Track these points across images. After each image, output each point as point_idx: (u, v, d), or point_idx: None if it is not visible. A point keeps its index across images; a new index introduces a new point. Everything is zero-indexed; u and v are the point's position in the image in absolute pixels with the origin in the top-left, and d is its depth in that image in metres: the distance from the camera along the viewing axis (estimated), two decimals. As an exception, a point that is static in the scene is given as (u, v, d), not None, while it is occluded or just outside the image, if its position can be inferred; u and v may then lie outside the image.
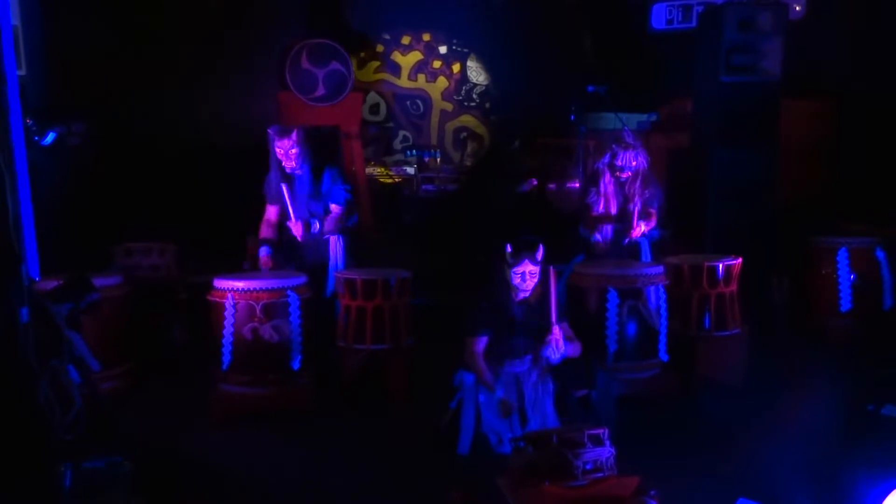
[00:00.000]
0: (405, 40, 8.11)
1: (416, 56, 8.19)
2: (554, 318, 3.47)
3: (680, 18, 7.19)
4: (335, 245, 4.63)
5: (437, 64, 8.26)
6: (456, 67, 8.30)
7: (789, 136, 5.73)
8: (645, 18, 7.28)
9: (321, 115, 6.40)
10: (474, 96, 8.37)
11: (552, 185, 6.85)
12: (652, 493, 2.40)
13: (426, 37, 8.18)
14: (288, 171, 4.54)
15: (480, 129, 8.38)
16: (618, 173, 4.74)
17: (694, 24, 6.74)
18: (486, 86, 8.35)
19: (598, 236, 4.81)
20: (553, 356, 3.47)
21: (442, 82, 8.31)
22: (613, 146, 4.75)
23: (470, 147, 8.15)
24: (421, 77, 8.24)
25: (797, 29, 5.85)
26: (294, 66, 6.53)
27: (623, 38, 7.53)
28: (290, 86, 6.53)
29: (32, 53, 5.28)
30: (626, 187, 4.76)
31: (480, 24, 7.87)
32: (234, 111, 6.44)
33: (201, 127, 6.45)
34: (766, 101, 5.47)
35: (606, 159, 4.76)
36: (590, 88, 6.56)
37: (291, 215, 4.51)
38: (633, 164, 4.69)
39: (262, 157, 4.69)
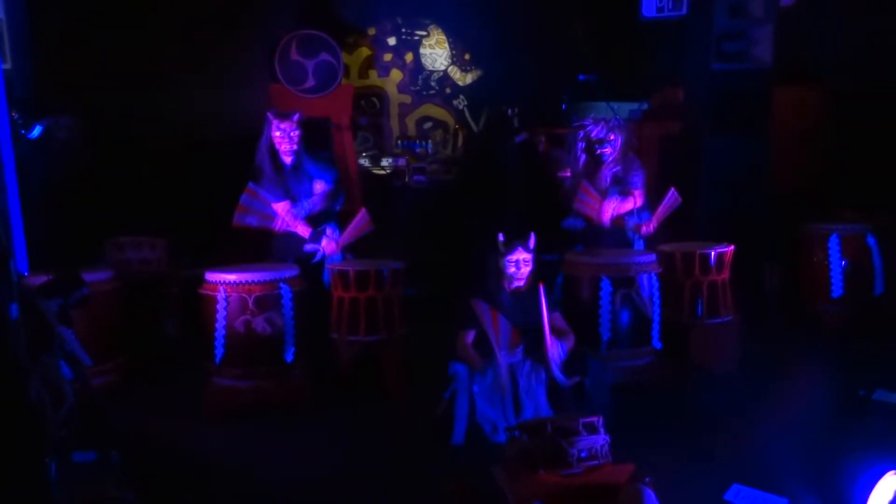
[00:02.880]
0: (349, 39, 7.74)
1: (363, 52, 7.83)
2: (547, 337, 3.48)
3: (670, 6, 7.16)
4: (332, 236, 4.62)
5: (387, 57, 7.92)
6: (409, 57, 7.99)
7: (781, 124, 5.73)
8: (635, 6, 7.26)
9: (311, 107, 6.36)
10: (432, 84, 8.10)
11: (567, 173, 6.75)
12: (647, 479, 2.41)
13: (371, 30, 7.85)
14: (285, 154, 4.49)
15: (444, 117, 8.15)
16: (598, 151, 4.70)
17: (685, 11, 6.72)
18: (445, 70, 8.07)
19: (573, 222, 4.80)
20: (554, 365, 3.49)
21: (396, 75, 7.99)
22: (584, 121, 4.73)
23: (439, 136, 7.99)
24: (372, 73, 7.89)
25: (788, 16, 5.84)
26: (283, 58, 6.49)
27: (613, 27, 7.52)
28: (280, 77, 6.49)
29: (17, 46, 5.22)
30: (609, 167, 4.71)
31: (470, 12, 7.81)
32: (224, 103, 6.39)
33: (191, 119, 6.40)
34: (757, 89, 5.47)
35: (581, 140, 4.72)
36: (580, 77, 6.56)
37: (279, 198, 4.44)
38: (611, 137, 4.65)
39: (254, 148, 4.66)
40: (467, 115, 8.22)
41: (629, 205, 4.72)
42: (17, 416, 2.23)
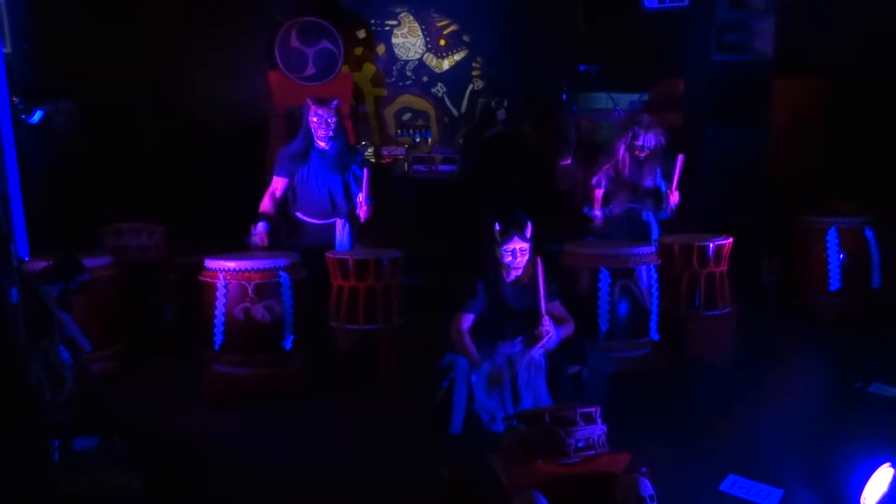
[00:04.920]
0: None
1: None
2: (543, 309, 3.49)
3: (672, -3, 7.15)
4: (342, 227, 4.62)
5: (358, 51, 7.71)
6: (381, 49, 7.82)
7: (780, 115, 5.73)
8: (637, -3, 7.24)
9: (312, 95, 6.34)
10: (408, 73, 7.97)
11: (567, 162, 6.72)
12: (643, 469, 2.43)
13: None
14: (320, 140, 4.51)
15: (424, 106, 8.02)
16: (637, 152, 4.76)
17: (686, 2, 6.71)
18: (420, 58, 7.92)
19: (597, 213, 4.84)
20: (548, 345, 3.50)
21: (368, 69, 7.81)
22: (634, 128, 4.77)
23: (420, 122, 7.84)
24: (344, 69, 7.41)
25: (789, 8, 5.83)
26: (283, 45, 6.46)
27: (615, 17, 7.49)
28: (280, 65, 6.46)
29: (17, 31, 5.20)
30: (647, 165, 4.77)
31: (472, 2, 7.78)
32: (223, 89, 6.38)
33: (190, 105, 6.39)
34: (757, 80, 5.48)
35: (627, 140, 4.77)
36: (581, 68, 6.55)
37: (362, 196, 4.49)
38: (653, 143, 4.72)
39: (253, 135, 4.66)
40: (447, 102, 8.12)
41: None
42: (14, 400, 2.24)
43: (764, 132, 5.56)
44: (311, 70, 6.54)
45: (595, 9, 7.74)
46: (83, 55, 5.97)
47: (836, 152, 6.16)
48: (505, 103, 6.52)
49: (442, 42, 8.05)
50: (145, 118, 6.32)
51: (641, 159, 4.79)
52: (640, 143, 4.73)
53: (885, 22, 5.89)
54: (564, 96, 6.58)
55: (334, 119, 4.49)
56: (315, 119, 4.48)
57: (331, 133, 4.50)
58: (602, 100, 6.78)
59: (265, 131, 6.38)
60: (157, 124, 6.38)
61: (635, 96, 7.08)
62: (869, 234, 5.21)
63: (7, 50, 5.01)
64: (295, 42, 6.48)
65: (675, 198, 4.72)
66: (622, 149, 4.80)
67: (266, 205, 4.55)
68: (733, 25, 5.42)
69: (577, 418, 2.48)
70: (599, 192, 4.88)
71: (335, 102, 4.53)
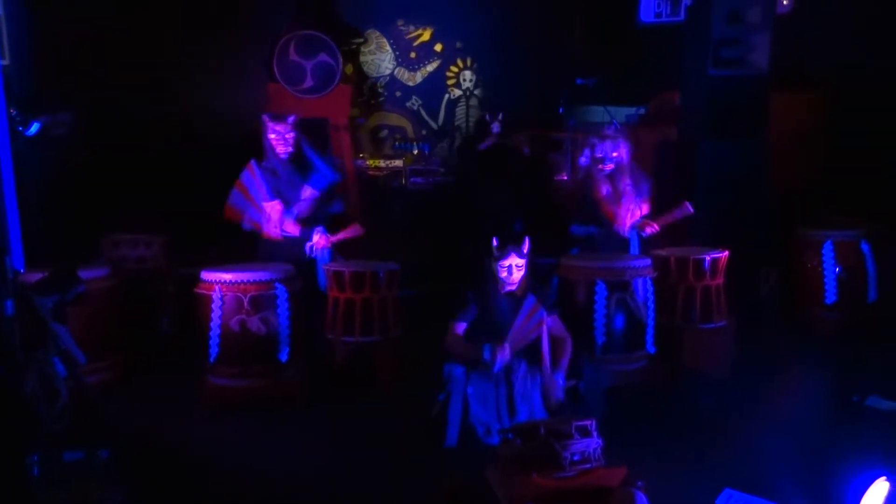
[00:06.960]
0: None
1: None
2: (547, 366, 3.49)
3: (668, 12, 7.21)
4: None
5: None
6: (349, 69, 7.68)
7: (776, 129, 5.76)
8: (633, 11, 7.29)
9: (310, 107, 6.37)
10: (380, 90, 7.94)
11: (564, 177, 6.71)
12: (639, 483, 2.42)
13: None
14: (282, 155, 4.52)
15: (399, 122, 7.97)
16: (600, 166, 4.75)
17: (682, 17, 6.77)
18: (391, 73, 7.85)
19: (592, 230, 4.83)
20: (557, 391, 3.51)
21: None
22: (591, 139, 4.79)
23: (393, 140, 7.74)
24: None
25: (785, 22, 5.87)
26: (282, 58, 6.49)
27: (611, 32, 7.54)
28: (278, 77, 6.49)
29: (16, 43, 5.23)
30: (616, 182, 4.76)
31: (470, 16, 7.81)
32: (222, 101, 6.40)
33: (189, 117, 6.40)
34: (753, 95, 5.50)
35: (587, 153, 4.78)
36: (578, 81, 6.58)
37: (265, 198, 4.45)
38: (614, 154, 4.70)
39: (252, 148, 4.67)
40: (424, 114, 8.07)
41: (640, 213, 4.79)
42: (8, 411, 2.23)
43: (760, 146, 5.58)
44: (308, 83, 6.56)
45: (592, 22, 7.78)
46: (82, 66, 6.00)
47: (834, 165, 6.18)
48: (500, 116, 6.55)
49: (413, 55, 7.99)
50: (144, 129, 6.34)
51: (607, 173, 4.76)
52: (598, 154, 4.72)
53: (881, 35, 5.94)
54: (561, 109, 6.61)
55: (292, 135, 4.51)
56: (273, 136, 4.49)
57: (290, 148, 4.52)
58: (599, 113, 6.80)
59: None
60: (156, 135, 6.39)
61: (632, 110, 7.11)
62: (865, 247, 5.22)
63: (6, 62, 5.03)
64: (293, 55, 6.52)
65: (651, 229, 4.68)
66: (586, 164, 4.80)
67: (291, 227, 4.50)
68: (729, 40, 5.45)
69: (573, 431, 2.48)
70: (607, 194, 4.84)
71: (291, 118, 4.54)
